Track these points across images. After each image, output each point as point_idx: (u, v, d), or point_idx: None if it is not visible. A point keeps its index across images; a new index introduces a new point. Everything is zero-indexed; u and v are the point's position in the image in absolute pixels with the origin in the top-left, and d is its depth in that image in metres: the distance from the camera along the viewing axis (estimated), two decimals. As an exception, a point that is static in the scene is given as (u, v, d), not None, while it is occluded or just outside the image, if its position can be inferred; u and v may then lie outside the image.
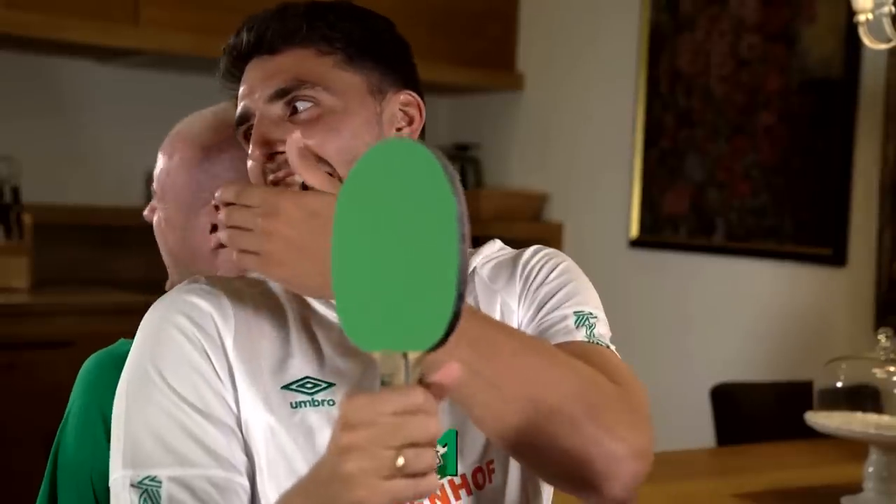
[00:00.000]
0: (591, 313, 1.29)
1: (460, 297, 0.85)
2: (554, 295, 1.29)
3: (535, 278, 1.31)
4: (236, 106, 1.26)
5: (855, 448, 2.27)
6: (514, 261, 1.34)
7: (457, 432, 0.86)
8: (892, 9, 2.35)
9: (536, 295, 1.30)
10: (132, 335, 1.42)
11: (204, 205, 1.49)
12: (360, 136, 1.21)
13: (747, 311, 3.63)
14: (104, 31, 3.58)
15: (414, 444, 0.86)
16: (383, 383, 0.89)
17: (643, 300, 3.94)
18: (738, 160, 3.67)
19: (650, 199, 3.94)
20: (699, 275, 3.79)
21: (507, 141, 4.48)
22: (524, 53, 4.43)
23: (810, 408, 2.19)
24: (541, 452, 1.12)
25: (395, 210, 0.89)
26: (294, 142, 1.15)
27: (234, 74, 1.27)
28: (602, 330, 1.28)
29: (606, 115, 4.11)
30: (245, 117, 1.24)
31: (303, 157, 1.16)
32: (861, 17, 2.34)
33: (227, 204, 1.13)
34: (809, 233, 3.46)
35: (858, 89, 3.35)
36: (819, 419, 2.13)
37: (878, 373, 2.16)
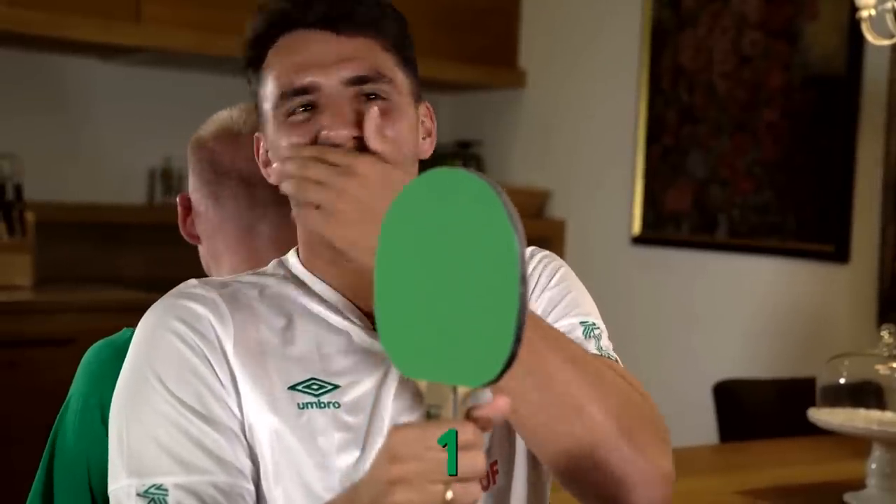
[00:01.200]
0: (594, 324, 1.29)
1: (518, 340, 0.84)
2: (558, 303, 1.28)
3: (536, 283, 1.30)
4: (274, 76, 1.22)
5: (858, 445, 2.27)
6: None
7: (457, 432, 0.86)
8: (895, 5, 2.34)
9: (540, 301, 1.29)
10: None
11: None
12: (406, 141, 1.21)
13: (750, 308, 3.63)
14: (106, 29, 3.58)
15: (461, 479, 0.87)
16: (430, 415, 0.89)
17: (645, 297, 3.94)
18: (740, 157, 3.67)
19: (652, 196, 3.94)
20: (702, 272, 3.79)
21: (509, 138, 4.48)
22: (526, 50, 4.43)
23: (813, 404, 2.19)
24: (576, 466, 1.13)
25: (450, 241, 0.87)
26: (374, 116, 1.16)
27: (272, 40, 1.24)
28: (606, 342, 1.28)
29: (608, 112, 4.11)
30: (307, 89, 1.19)
31: (380, 132, 1.16)
32: (864, 13, 2.34)
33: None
34: (812, 230, 3.46)
35: (861, 86, 3.35)
36: (822, 416, 2.13)
37: (881, 369, 2.16)
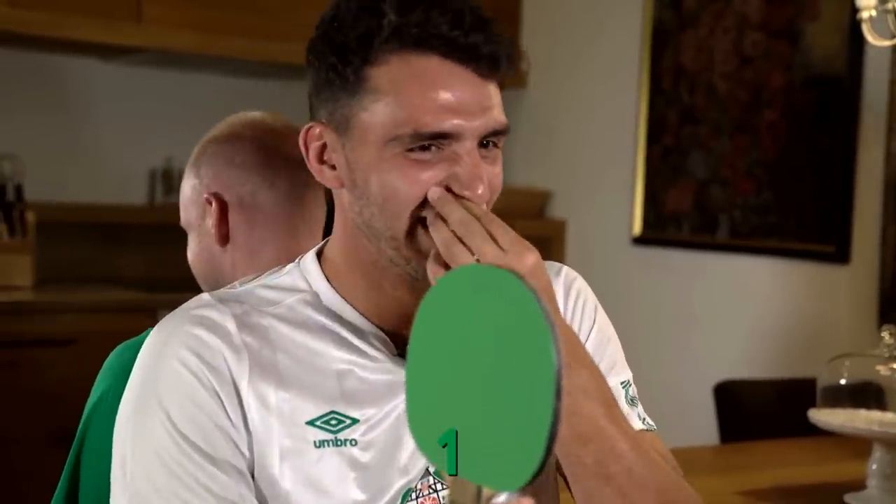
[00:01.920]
0: (629, 381, 1.30)
1: (548, 453, 0.81)
2: (601, 359, 1.25)
3: (573, 318, 1.29)
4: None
5: (858, 445, 2.27)
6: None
7: (457, 432, 0.85)
8: (895, 5, 2.34)
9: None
10: (134, 334, 1.42)
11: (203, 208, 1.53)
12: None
13: (750, 308, 3.63)
14: (107, 29, 3.58)
15: None
16: None
17: (646, 298, 3.94)
18: (741, 157, 3.66)
19: (653, 197, 3.94)
20: (702, 272, 3.79)
21: (510, 138, 4.41)
22: (527, 51, 4.42)
23: (814, 405, 2.19)
24: None
25: (485, 342, 0.84)
26: (497, 181, 1.16)
27: (396, 51, 1.11)
28: (640, 407, 1.30)
29: (609, 113, 4.11)
30: (447, 135, 1.10)
31: (496, 191, 1.16)
32: (864, 14, 2.34)
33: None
34: (813, 230, 3.46)
35: (862, 86, 3.34)
36: (822, 416, 2.13)
37: (882, 370, 2.16)
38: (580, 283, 1.32)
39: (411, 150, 1.10)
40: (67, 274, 3.87)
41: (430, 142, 1.10)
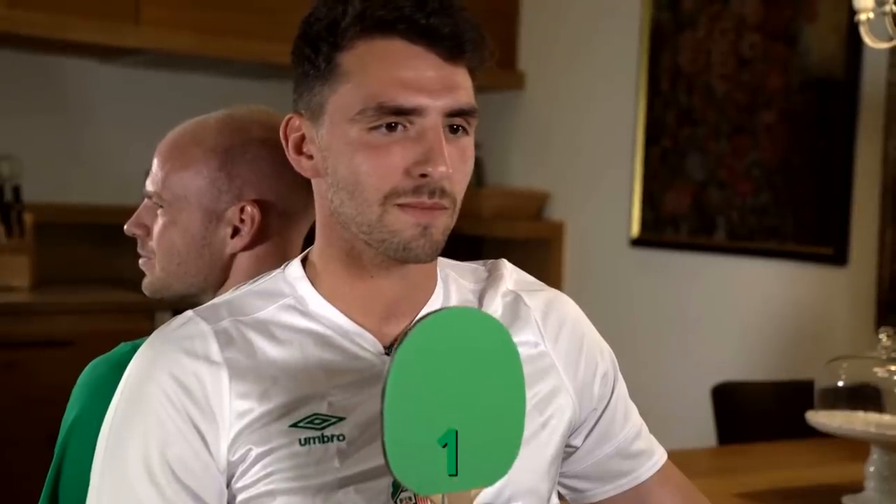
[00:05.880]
0: (633, 406, 1.39)
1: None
2: (626, 402, 1.36)
3: (590, 367, 1.33)
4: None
5: (856, 447, 2.27)
6: (555, 311, 1.33)
7: (457, 432, 0.86)
8: (893, 8, 2.34)
9: (589, 391, 1.33)
10: (133, 335, 1.42)
11: (225, 210, 1.46)
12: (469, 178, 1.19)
13: (748, 310, 3.63)
14: (105, 31, 3.59)
15: None
16: None
17: (644, 299, 3.94)
18: (739, 159, 3.67)
19: (651, 198, 3.94)
20: (700, 274, 3.79)
21: (508, 140, 4.48)
22: (525, 52, 4.43)
23: (811, 407, 2.19)
24: None
25: (466, 369, 1.00)
26: (467, 166, 1.17)
27: (363, 37, 1.14)
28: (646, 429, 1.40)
29: (607, 114, 4.11)
30: (409, 111, 1.12)
31: (464, 177, 1.18)
32: (862, 16, 2.34)
33: None
34: (811, 232, 3.46)
35: (859, 88, 3.35)
36: (820, 418, 2.13)
37: (879, 372, 2.16)
38: (567, 311, 1.35)
39: (377, 128, 1.12)
40: (65, 275, 3.87)
41: (394, 118, 1.12)
